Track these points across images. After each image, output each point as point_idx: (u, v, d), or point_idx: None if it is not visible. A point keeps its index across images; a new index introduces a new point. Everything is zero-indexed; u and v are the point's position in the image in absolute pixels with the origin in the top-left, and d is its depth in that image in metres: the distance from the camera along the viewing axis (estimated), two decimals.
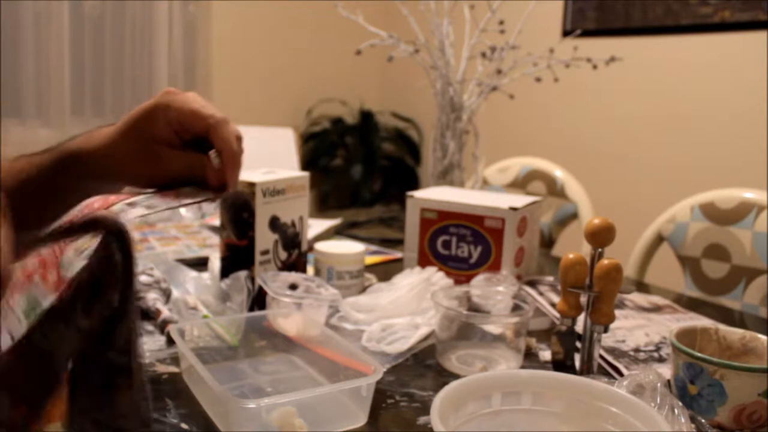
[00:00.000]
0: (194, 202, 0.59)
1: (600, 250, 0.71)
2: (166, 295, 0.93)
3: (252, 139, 1.82)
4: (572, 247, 0.88)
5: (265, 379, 0.75)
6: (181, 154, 0.61)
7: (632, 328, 0.91)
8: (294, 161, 1.76)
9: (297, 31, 3.26)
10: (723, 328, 0.73)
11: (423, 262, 1.08)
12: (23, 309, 0.42)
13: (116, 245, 0.46)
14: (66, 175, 0.64)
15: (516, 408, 0.56)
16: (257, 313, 0.84)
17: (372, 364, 0.66)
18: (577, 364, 0.75)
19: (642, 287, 1.19)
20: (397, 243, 1.36)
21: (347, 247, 1.05)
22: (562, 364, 0.75)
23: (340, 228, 1.50)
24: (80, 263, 0.44)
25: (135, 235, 1.35)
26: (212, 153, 0.61)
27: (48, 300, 0.43)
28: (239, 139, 0.61)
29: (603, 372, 0.78)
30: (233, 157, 0.60)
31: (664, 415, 0.57)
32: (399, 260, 1.22)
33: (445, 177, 1.42)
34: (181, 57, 2.89)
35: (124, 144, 0.61)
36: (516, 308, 0.82)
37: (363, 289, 1.04)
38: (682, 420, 0.58)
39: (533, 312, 0.82)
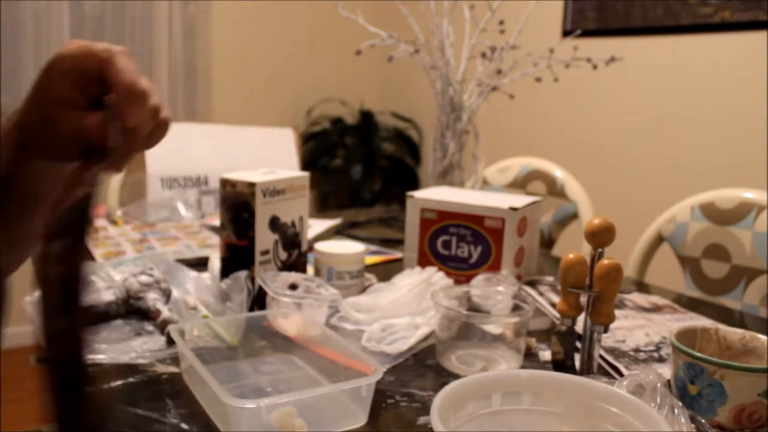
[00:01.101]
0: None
1: (600, 250, 0.71)
2: (166, 295, 0.93)
3: (252, 139, 1.82)
4: (572, 247, 0.88)
5: (265, 379, 0.75)
6: (78, 114, 0.50)
7: (632, 328, 0.91)
8: (294, 161, 1.76)
9: (297, 31, 3.26)
10: (723, 328, 0.73)
11: (423, 262, 1.08)
12: None
13: None
14: None
15: (516, 408, 0.56)
16: (257, 313, 0.84)
17: (372, 364, 0.66)
18: (577, 364, 0.75)
19: (642, 287, 1.19)
20: (397, 243, 1.36)
21: (347, 247, 1.05)
22: (562, 364, 0.75)
23: (340, 228, 1.50)
24: None
25: (135, 235, 1.35)
26: (108, 98, 0.50)
27: None
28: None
29: (603, 372, 0.78)
30: (131, 90, 0.48)
31: (664, 415, 0.57)
32: (399, 260, 1.22)
33: (445, 177, 1.42)
34: (181, 57, 2.89)
35: (27, 116, 0.51)
36: (516, 308, 0.82)
37: (363, 289, 1.04)
38: (682, 420, 0.58)
39: (533, 312, 0.82)
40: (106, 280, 0.97)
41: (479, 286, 0.92)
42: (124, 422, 0.64)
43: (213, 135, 1.71)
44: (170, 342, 0.81)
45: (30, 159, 0.53)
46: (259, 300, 0.91)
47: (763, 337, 0.71)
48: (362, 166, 3.22)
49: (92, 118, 0.49)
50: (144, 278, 0.92)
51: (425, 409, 0.68)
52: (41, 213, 0.56)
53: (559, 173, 1.69)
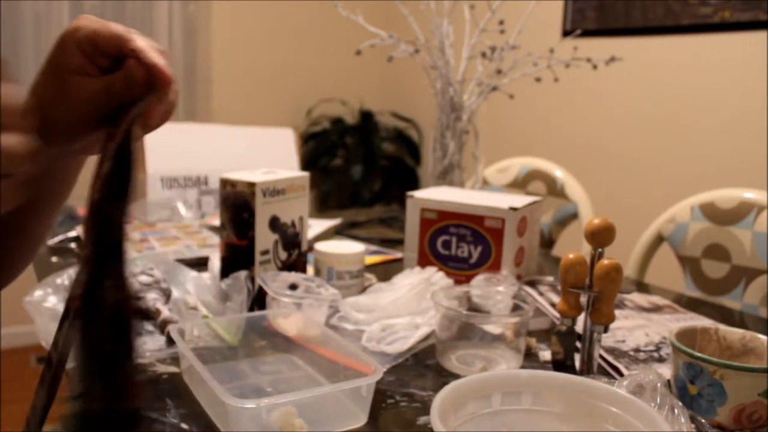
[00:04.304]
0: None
1: (600, 250, 0.71)
2: (166, 295, 0.93)
3: (252, 139, 1.82)
4: (572, 247, 0.88)
5: (265, 379, 0.75)
6: (97, 78, 0.53)
7: (632, 328, 0.91)
8: (294, 161, 1.76)
9: (297, 31, 3.26)
10: (723, 328, 0.73)
11: (423, 262, 1.08)
12: None
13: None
14: None
15: (516, 408, 0.56)
16: (257, 313, 0.84)
17: (372, 364, 0.66)
18: (577, 364, 0.75)
19: (642, 287, 1.19)
20: (397, 243, 1.36)
21: (347, 247, 1.05)
22: (562, 364, 0.75)
23: (340, 228, 1.50)
24: None
25: (135, 235, 1.35)
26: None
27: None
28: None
29: (603, 372, 0.78)
30: (152, 54, 0.51)
31: (664, 415, 0.57)
32: (399, 260, 1.22)
33: (445, 177, 1.42)
34: (181, 57, 2.89)
35: (42, 86, 0.53)
36: (516, 308, 0.82)
37: (363, 289, 1.04)
38: (682, 420, 0.58)
39: (533, 312, 0.82)
40: None
41: (479, 286, 0.92)
42: None
43: (213, 135, 1.71)
44: (170, 342, 0.81)
45: (50, 140, 0.53)
46: (259, 300, 0.91)
47: (763, 337, 0.71)
48: (362, 166, 3.22)
49: (115, 76, 0.52)
50: (144, 278, 0.91)
51: (425, 409, 0.68)
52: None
53: (559, 173, 1.69)
